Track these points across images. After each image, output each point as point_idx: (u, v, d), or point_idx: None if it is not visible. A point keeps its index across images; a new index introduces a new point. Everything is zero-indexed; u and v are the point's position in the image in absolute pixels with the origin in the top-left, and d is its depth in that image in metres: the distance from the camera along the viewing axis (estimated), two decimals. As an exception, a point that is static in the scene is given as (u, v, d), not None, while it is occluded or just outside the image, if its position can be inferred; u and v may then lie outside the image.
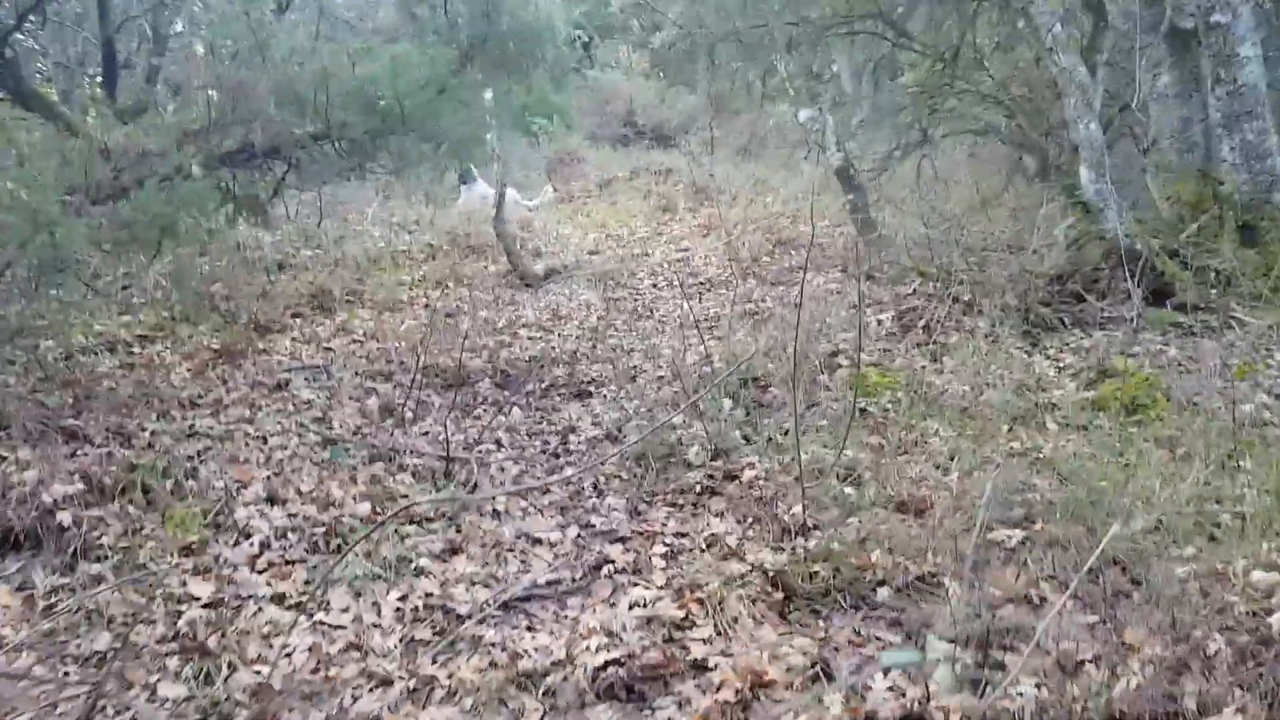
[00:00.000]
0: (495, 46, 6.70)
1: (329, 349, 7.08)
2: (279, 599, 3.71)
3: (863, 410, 5.60)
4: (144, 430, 5.23)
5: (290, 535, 4.14)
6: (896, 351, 6.35)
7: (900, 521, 4.18)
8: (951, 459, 4.86)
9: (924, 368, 6.07)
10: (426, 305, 8.30)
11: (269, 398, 6.00)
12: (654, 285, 9.10)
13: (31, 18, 11.47)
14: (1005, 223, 8.62)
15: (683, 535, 4.28)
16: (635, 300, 8.53)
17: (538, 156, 16.26)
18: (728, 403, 5.65)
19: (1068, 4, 8.03)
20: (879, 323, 6.81)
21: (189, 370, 6.62)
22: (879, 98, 13.25)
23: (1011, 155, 10.92)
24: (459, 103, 6.68)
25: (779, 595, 3.65)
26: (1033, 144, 10.06)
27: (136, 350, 7.07)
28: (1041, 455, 4.95)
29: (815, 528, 4.14)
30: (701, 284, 8.98)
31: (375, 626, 3.56)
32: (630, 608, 3.59)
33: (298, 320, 7.87)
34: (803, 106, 9.47)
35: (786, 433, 5.27)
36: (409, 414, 5.75)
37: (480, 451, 5.23)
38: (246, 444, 5.23)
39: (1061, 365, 6.19)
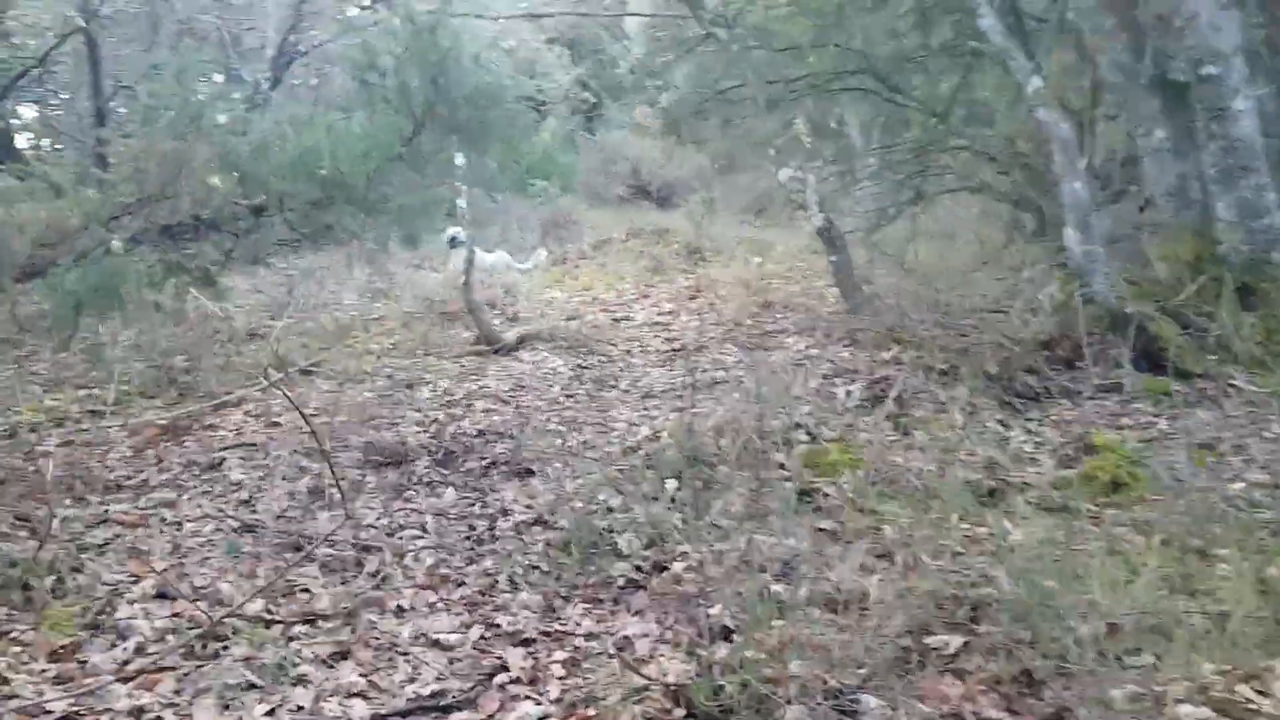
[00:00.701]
0: (446, 112, 6.45)
1: (278, 424, 6.79)
2: (138, 713, 3.38)
3: (815, 492, 5.25)
4: (55, 517, 4.95)
5: (170, 638, 3.82)
6: (863, 425, 5.99)
7: (831, 624, 3.81)
8: (906, 547, 4.49)
9: (891, 443, 5.71)
10: (389, 377, 8.01)
11: (199, 479, 5.73)
12: (628, 352, 8.79)
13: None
14: (995, 285, 8.29)
15: (595, 637, 3.92)
16: (605, 368, 8.22)
17: (535, 218, 16.04)
18: (672, 484, 5.30)
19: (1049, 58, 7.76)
20: (848, 393, 6.46)
21: (130, 449, 6.36)
22: (887, 155, 13.02)
23: (1010, 213, 10.61)
24: (410, 171, 6.44)
25: (680, 713, 3.29)
26: (1030, 201, 9.76)
27: (86, 426, 6.81)
28: (1005, 543, 4.57)
29: (736, 631, 3.78)
30: (675, 350, 8.65)
31: (233, 747, 3.22)
32: (514, 726, 3.24)
33: (258, 393, 7.60)
34: (783, 166, 9.20)
35: (733, 519, 4.92)
36: (338, 496, 5.43)
37: (400, 538, 4.91)
38: (161, 531, 4.95)
39: (1041, 440, 5.81)
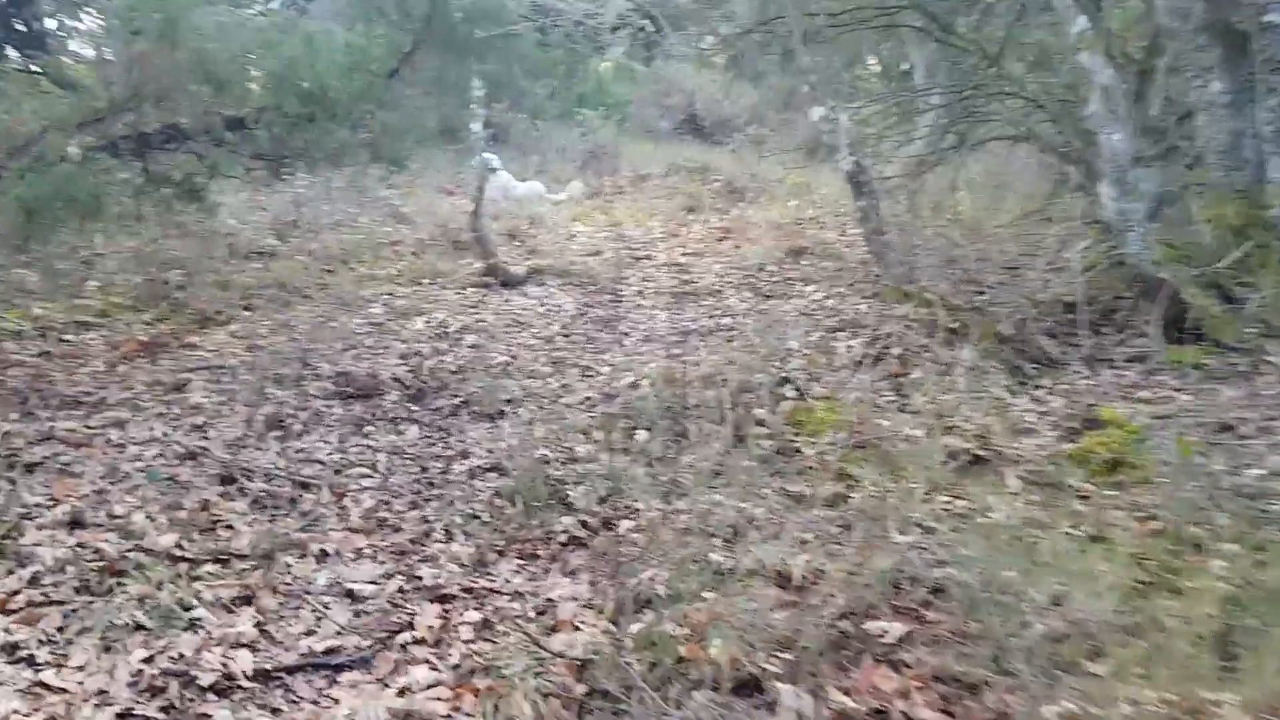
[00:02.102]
0: (444, 29, 6.12)
1: (259, 346, 6.58)
2: (10, 649, 3.18)
3: (793, 451, 4.93)
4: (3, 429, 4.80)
5: (69, 569, 3.61)
6: (857, 384, 5.63)
7: (772, 600, 3.52)
8: (872, 519, 4.17)
9: (882, 405, 5.36)
10: (385, 304, 7.77)
11: (160, 399, 5.53)
12: (639, 293, 8.46)
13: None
14: (1030, 241, 7.84)
15: (520, 596, 3.66)
16: (611, 308, 7.91)
17: (577, 149, 15.68)
18: (643, 435, 5.01)
19: None
20: (848, 349, 6.09)
21: (104, 363, 6.19)
22: (931, 99, 12.43)
23: (1055, 165, 10.04)
24: (406, 90, 6.13)
25: (580, 690, 3.02)
26: (1076, 153, 9.22)
27: (70, 338, 6.66)
28: (988, 519, 4.24)
29: (671, 600, 3.50)
30: (687, 294, 8.31)
31: (99, 694, 3.01)
32: (400, 693, 2.99)
33: (248, 313, 7.40)
34: (816, 104, 8.74)
35: (699, 476, 4.63)
36: (298, 428, 5.21)
37: (347, 476, 4.67)
38: (104, 453, 4.75)
39: (1045, 410, 5.41)
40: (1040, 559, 3.75)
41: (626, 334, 7.19)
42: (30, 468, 4.46)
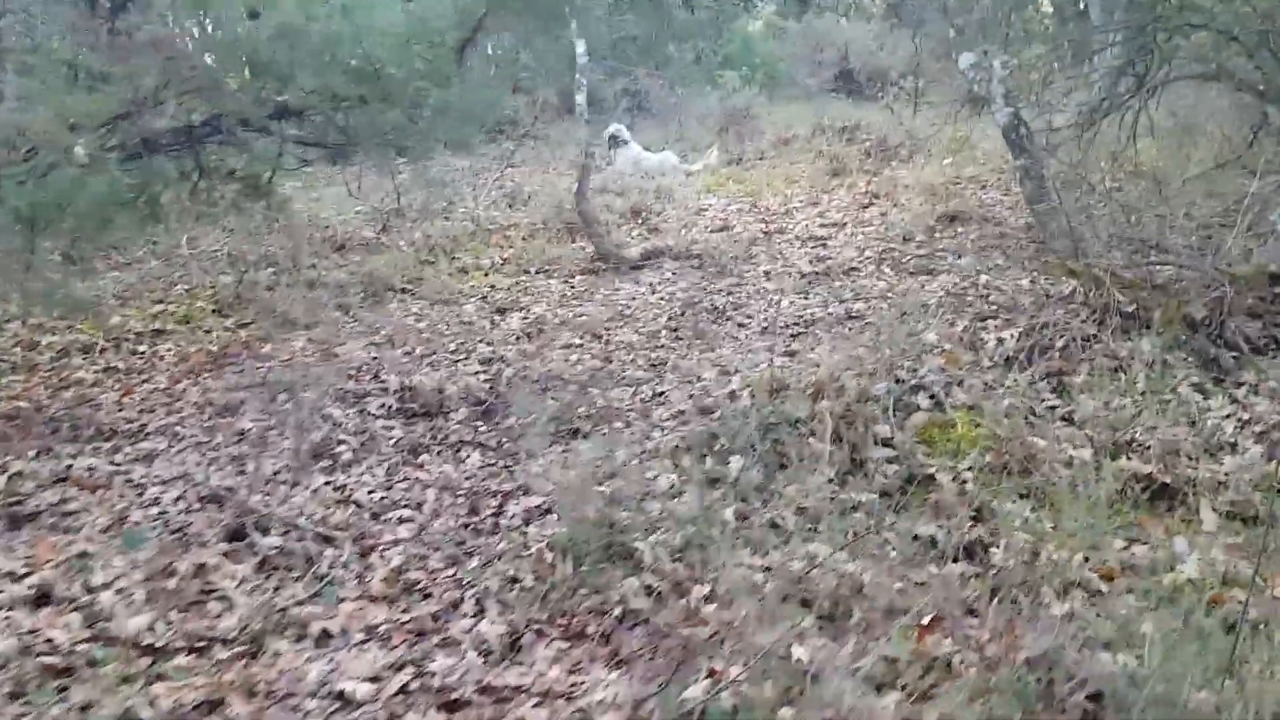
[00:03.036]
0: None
1: (334, 354, 5.98)
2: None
3: (925, 479, 3.99)
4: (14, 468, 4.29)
5: (11, 666, 2.99)
6: (1011, 386, 4.63)
7: (877, 707, 2.63)
8: (1020, 581, 3.23)
9: (1039, 416, 4.34)
10: (484, 298, 7.08)
11: (204, 425, 4.96)
12: (766, 274, 7.53)
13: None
14: (1219, 199, 6.60)
15: (550, 699, 2.87)
16: (731, 294, 7.01)
17: (717, 114, 14.73)
18: (736, 462, 4.15)
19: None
20: (999, 342, 5.06)
21: (167, 379, 5.69)
22: (1104, 37, 10.99)
23: (1254, 106, 8.62)
24: (476, 66, 5.38)
25: None
26: (1278, 92, 7.84)
27: (142, 349, 6.21)
28: (1175, 575, 3.27)
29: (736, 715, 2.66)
30: (820, 274, 7.34)
31: None
32: None
33: (336, 313, 6.82)
34: (965, 50, 7.62)
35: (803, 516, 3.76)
36: (347, 456, 4.55)
37: (383, 522, 3.96)
38: (120, 496, 4.17)
39: (1249, 417, 4.31)
40: (1242, 647, 2.75)
41: (743, 325, 6.30)
42: (24, 519, 3.90)
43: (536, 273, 7.79)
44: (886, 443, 4.25)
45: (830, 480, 4.01)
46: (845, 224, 9.06)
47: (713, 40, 20.37)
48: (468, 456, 4.51)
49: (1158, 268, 5.44)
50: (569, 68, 8.71)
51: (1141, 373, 4.63)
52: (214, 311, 6.91)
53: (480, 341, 6.06)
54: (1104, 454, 4.00)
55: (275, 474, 4.42)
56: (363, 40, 4.88)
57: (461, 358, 5.79)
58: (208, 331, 6.56)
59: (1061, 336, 4.99)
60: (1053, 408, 4.49)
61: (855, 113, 14.47)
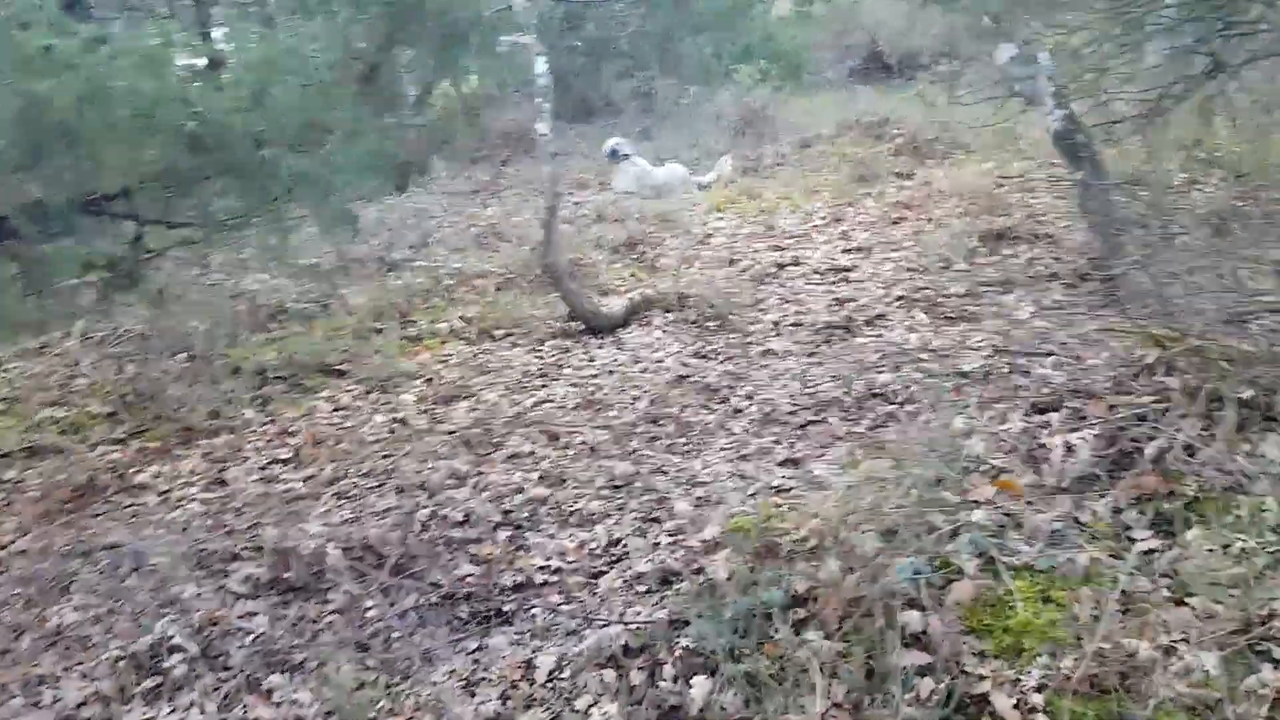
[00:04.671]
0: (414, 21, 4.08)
1: (223, 481, 4.78)
2: None
3: (982, 700, 2.71)
4: None
5: None
6: (1091, 524, 3.32)
7: None
8: None
9: (1132, 576, 3.03)
10: (429, 381, 5.85)
11: (7, 625, 3.76)
12: (775, 325, 6.23)
13: None
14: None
15: None
16: (730, 360, 5.73)
17: (731, 116, 13.38)
18: (701, 685, 2.87)
19: None
20: (1067, 449, 3.73)
21: (16, 525, 4.52)
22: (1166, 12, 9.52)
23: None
24: (353, 107, 4.13)
25: None
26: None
27: (9, 476, 5.08)
28: None
29: None
30: (838, 327, 6.03)
31: None
32: None
33: (250, 414, 5.63)
34: (1002, 40, 6.27)
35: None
36: (180, 672, 3.33)
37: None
38: None
39: None
40: None
41: (739, 411, 5.02)
42: None
43: (503, 337, 6.54)
44: (916, 638, 2.96)
45: (834, 712, 2.73)
46: (872, 248, 7.72)
47: (731, 31, 18.97)
48: (338, 670, 3.26)
49: (1277, 328, 4.09)
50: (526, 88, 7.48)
51: (1271, 495, 3.30)
52: (109, 415, 5.74)
53: (405, 455, 4.82)
54: (1237, 662, 2.68)
55: (80, 707, 3.21)
56: (200, 96, 3.64)
57: (375, 485, 4.55)
58: (93, 446, 5.39)
59: (1153, 439, 3.65)
60: (1148, 557, 3.16)
61: (884, 104, 13.04)
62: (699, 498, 4.05)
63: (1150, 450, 3.61)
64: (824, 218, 8.86)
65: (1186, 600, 2.92)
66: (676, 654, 3.03)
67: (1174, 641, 2.76)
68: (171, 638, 3.45)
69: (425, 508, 4.21)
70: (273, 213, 4.01)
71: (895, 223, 8.37)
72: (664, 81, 15.80)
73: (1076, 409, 4.00)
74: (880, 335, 5.79)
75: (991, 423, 4.04)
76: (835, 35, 19.96)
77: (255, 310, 6.72)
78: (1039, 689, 2.72)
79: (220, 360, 6.15)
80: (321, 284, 6.88)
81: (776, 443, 4.53)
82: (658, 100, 15.37)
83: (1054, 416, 3.97)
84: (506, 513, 4.13)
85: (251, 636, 3.50)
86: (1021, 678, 2.77)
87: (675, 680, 2.95)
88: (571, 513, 4.09)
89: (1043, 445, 3.78)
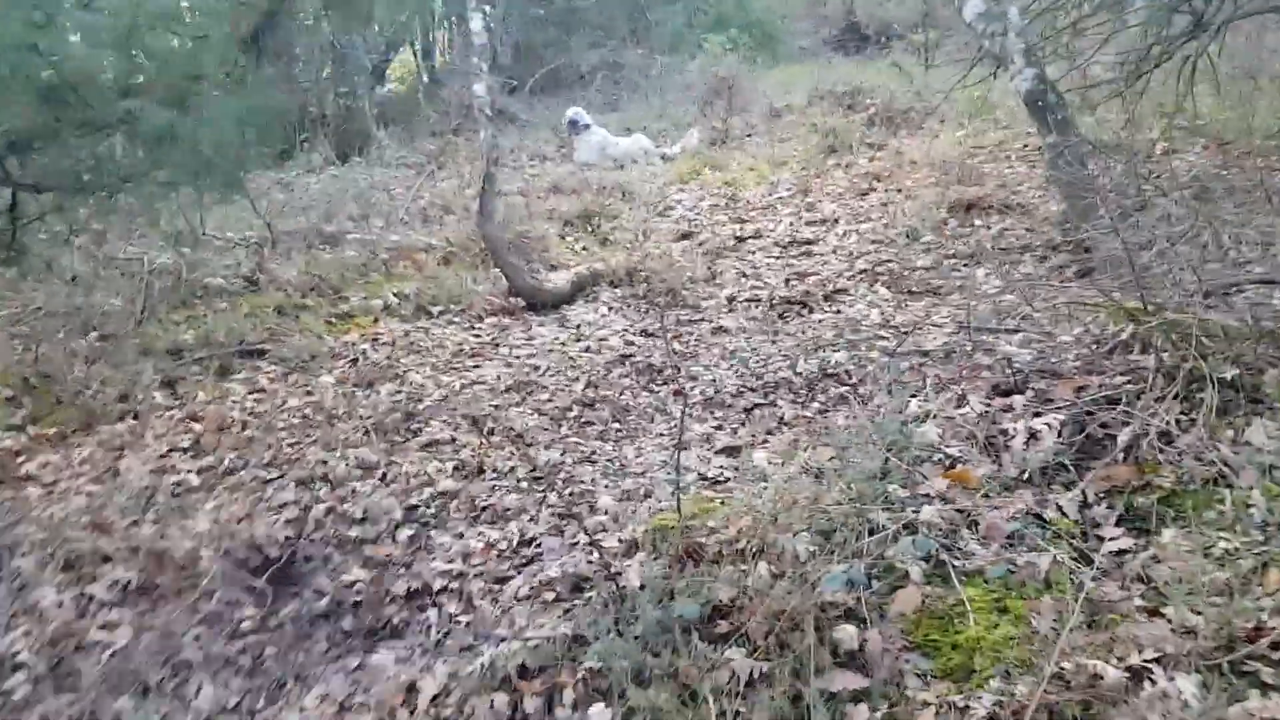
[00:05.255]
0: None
1: (115, 470, 4.36)
2: None
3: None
4: None
5: None
6: (1055, 522, 2.93)
7: None
8: None
9: (1108, 574, 2.65)
10: (354, 361, 5.43)
11: None
12: (729, 301, 5.83)
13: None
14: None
15: None
16: (680, 338, 5.33)
17: (701, 86, 12.91)
18: (598, 718, 2.48)
19: None
20: (1029, 434, 3.34)
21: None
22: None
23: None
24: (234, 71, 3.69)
25: None
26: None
27: None
28: None
29: None
30: (795, 300, 5.63)
31: None
32: None
33: (159, 397, 5.20)
34: (970, -3, 5.85)
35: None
36: (21, 693, 2.92)
37: None
38: None
39: None
40: None
41: (681, 391, 4.60)
42: None
43: (439, 314, 6.12)
44: (853, 657, 2.57)
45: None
46: (838, 219, 7.32)
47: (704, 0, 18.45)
48: (197, 692, 2.85)
49: (1263, 301, 3.70)
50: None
51: (1257, 491, 2.91)
52: (9, 400, 5.29)
53: (314, 442, 4.40)
54: (1213, 678, 2.30)
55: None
56: (60, 47, 3.20)
57: (275, 476, 4.13)
58: (-13, 433, 4.95)
59: (1126, 425, 3.26)
60: (1119, 562, 2.78)
61: (859, 75, 12.61)
62: (626, 491, 3.65)
63: (1123, 437, 3.23)
64: (790, 189, 8.46)
65: (1162, 611, 2.54)
66: (578, 676, 2.63)
67: (1146, 661, 2.38)
68: (17, 653, 3.04)
69: (324, 503, 3.80)
70: (145, 174, 3.55)
71: (863, 194, 7.96)
72: (633, 52, 15.33)
73: (1042, 390, 3.61)
74: (839, 311, 5.40)
75: (948, 405, 3.64)
76: (811, 4, 19.52)
77: (177, 286, 6.25)
78: (990, 718, 2.34)
79: (134, 340, 5.68)
80: (250, 258, 6.42)
81: (718, 428, 4.14)
82: (627, 71, 14.90)
83: (1017, 400, 3.58)
84: (411, 509, 3.72)
85: (109, 651, 3.09)
86: (971, 704, 2.39)
87: (574, 708, 2.55)
88: (484, 508, 3.69)
89: (1004, 431, 3.39)
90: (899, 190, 7.76)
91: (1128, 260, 3.75)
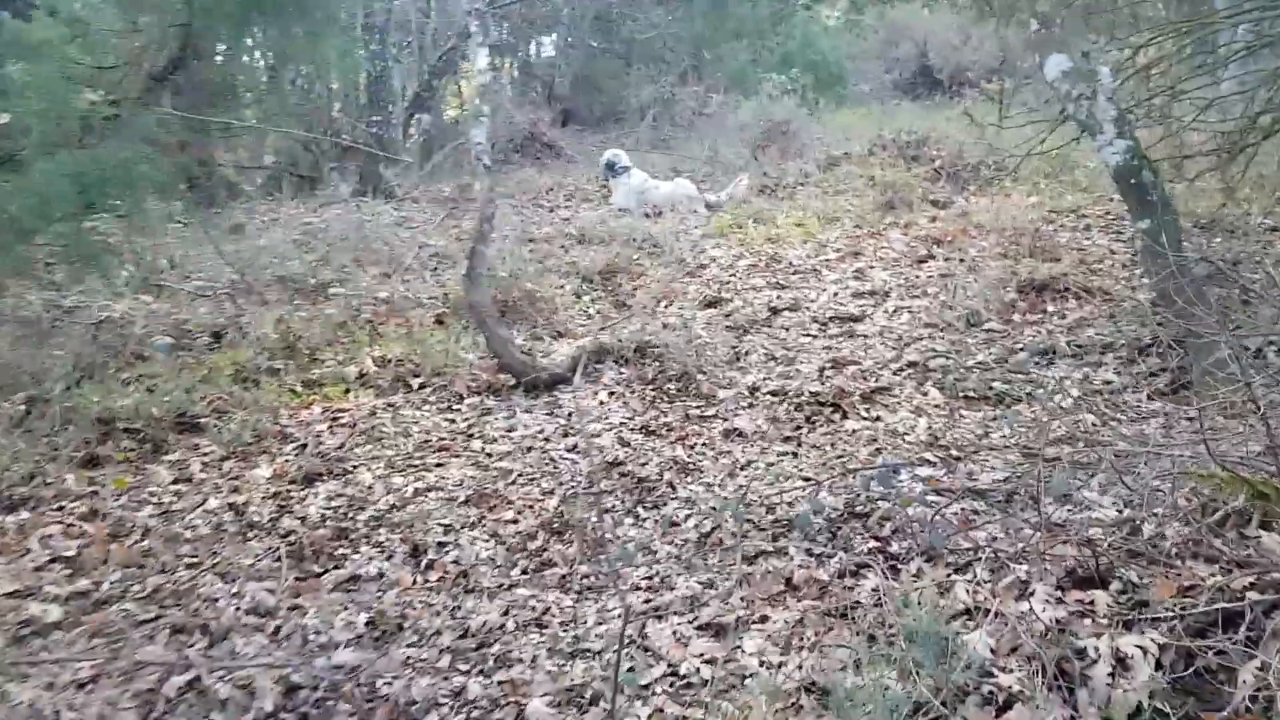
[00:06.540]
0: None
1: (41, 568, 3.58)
2: None
3: None
4: None
5: None
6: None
7: None
8: None
9: None
10: (306, 448, 4.62)
11: None
12: (749, 395, 4.95)
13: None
14: None
15: None
16: (684, 441, 4.46)
17: (757, 128, 12.06)
18: None
19: None
20: (1119, 662, 2.40)
21: None
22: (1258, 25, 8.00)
23: None
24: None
25: None
26: None
27: None
28: None
29: None
30: (824, 405, 4.73)
31: None
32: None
33: (70, 481, 4.42)
34: (1051, 51, 4.95)
35: None
36: None
37: None
38: None
39: None
40: None
41: (675, 524, 3.73)
42: None
43: (419, 388, 5.30)
44: None
45: None
46: (889, 292, 6.41)
47: (770, 37, 17.61)
48: None
49: None
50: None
51: None
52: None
53: (212, 567, 3.57)
54: None
55: None
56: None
57: (151, 617, 3.30)
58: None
59: (1250, 657, 2.33)
60: None
61: (925, 121, 11.68)
62: (571, 686, 2.77)
63: (1246, 676, 2.30)
64: (839, 250, 7.55)
65: None
66: None
67: None
68: None
69: (188, 671, 2.95)
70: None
71: (921, 261, 7.04)
72: (690, 89, 14.55)
73: (1133, 584, 2.67)
74: (879, 419, 4.49)
75: (1007, 595, 2.72)
76: (884, 45, 18.64)
77: (125, 341, 5.49)
78: None
79: (64, 404, 4.92)
80: (217, 310, 5.64)
81: (709, 586, 3.24)
82: (680, 109, 14.11)
83: (1100, 598, 2.64)
84: (291, 691, 2.86)
85: None
86: None
87: None
88: (382, 698, 2.82)
89: (1080, 652, 2.46)
90: (961, 260, 6.83)
91: (1253, 405, 2.82)
